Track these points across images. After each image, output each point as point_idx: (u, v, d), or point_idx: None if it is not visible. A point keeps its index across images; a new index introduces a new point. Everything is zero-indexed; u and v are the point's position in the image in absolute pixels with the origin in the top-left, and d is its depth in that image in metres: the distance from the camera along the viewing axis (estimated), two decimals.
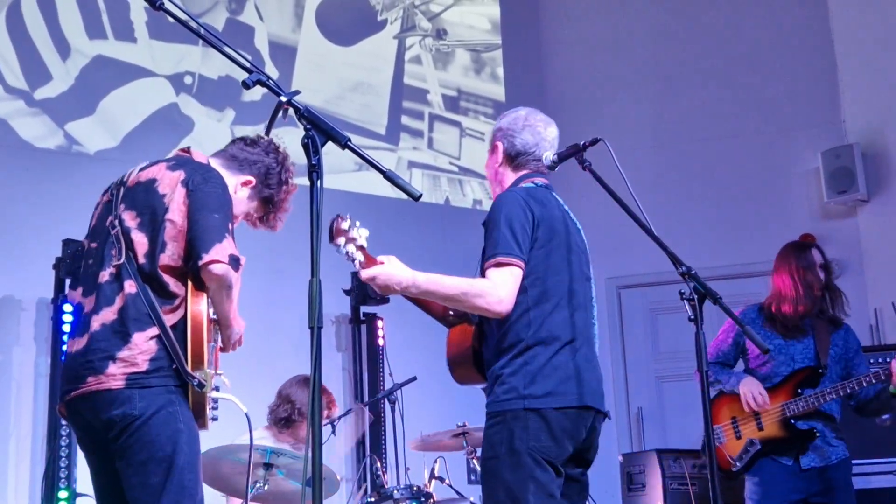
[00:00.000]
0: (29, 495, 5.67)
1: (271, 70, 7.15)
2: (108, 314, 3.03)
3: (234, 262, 3.04)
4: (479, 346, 3.38)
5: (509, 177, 3.51)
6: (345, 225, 3.11)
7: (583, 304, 3.29)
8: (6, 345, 5.88)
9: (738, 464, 4.57)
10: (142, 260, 3.06)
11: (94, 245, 3.21)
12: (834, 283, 4.80)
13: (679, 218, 7.51)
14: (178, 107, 6.81)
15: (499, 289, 3.14)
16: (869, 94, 7.62)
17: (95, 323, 3.04)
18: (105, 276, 3.08)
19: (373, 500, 4.71)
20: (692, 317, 3.20)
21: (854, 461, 5.35)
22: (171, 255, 3.06)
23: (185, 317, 3.07)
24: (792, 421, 4.53)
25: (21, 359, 5.88)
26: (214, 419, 3.20)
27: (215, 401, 3.18)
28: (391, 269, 3.20)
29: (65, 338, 5.52)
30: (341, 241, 3.10)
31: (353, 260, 3.17)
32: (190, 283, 3.08)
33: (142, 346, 2.99)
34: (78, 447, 5.33)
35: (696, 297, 3.19)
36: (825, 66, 7.81)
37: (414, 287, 3.21)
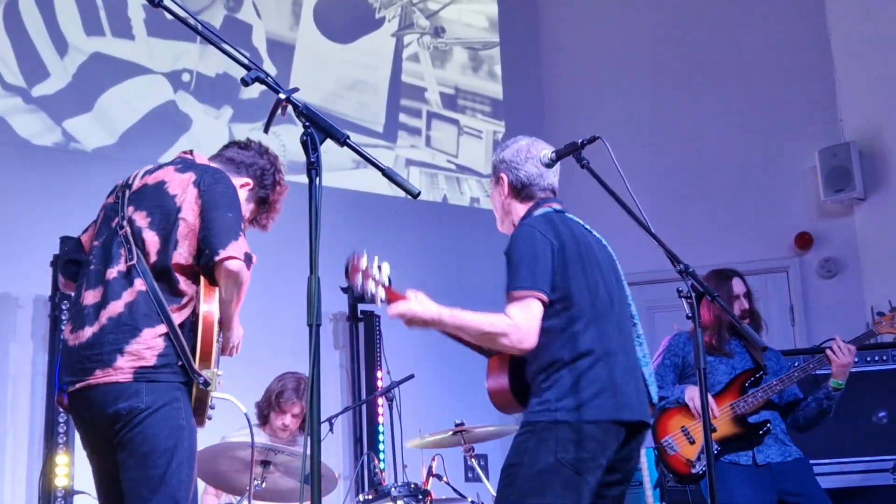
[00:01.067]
0: (26, 493, 5.67)
1: (269, 68, 7.14)
2: (116, 307, 3.06)
3: (248, 259, 3.11)
4: (516, 374, 3.35)
5: (519, 208, 3.49)
6: (362, 264, 3.14)
7: (613, 319, 3.27)
8: (3, 342, 5.87)
9: (696, 464, 4.60)
10: (154, 258, 3.12)
11: (98, 244, 3.25)
12: (756, 311, 4.89)
13: (676, 216, 7.52)
14: (176, 104, 6.81)
15: (519, 326, 3.12)
16: (866, 93, 7.63)
17: (103, 316, 3.07)
18: (113, 273, 3.12)
19: (370, 497, 4.71)
20: (690, 315, 3.22)
21: (851, 459, 5.38)
22: (182, 252, 3.12)
23: (192, 315, 3.11)
24: (743, 415, 4.62)
25: (18, 356, 5.88)
26: (209, 418, 3.23)
27: (213, 400, 3.21)
28: (416, 307, 3.18)
29: (62, 336, 5.53)
30: (358, 279, 3.12)
31: (375, 298, 3.19)
32: (203, 282, 3.13)
33: (150, 342, 3.03)
34: (76, 444, 5.40)
35: (693, 295, 3.21)
36: (822, 65, 7.82)
37: (439, 324, 3.20)
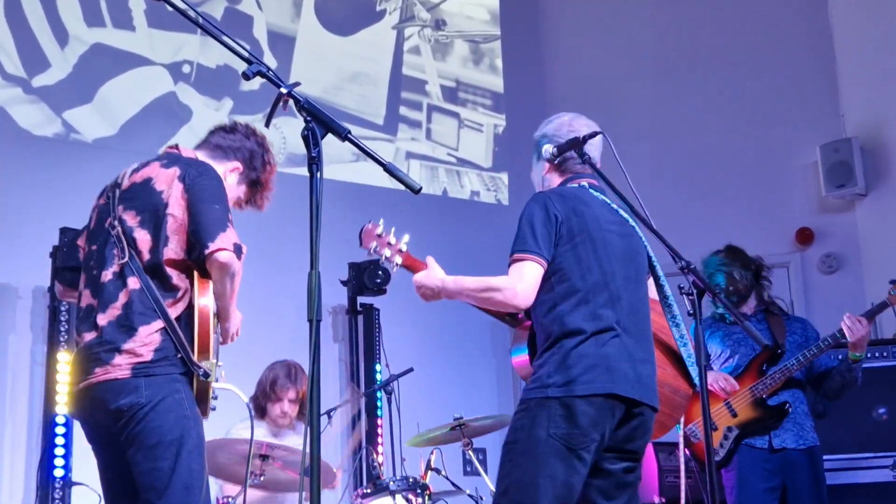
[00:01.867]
0: (24, 484, 5.67)
1: (269, 60, 7.13)
2: (113, 311, 3.10)
3: (238, 250, 3.12)
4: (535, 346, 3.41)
5: (555, 182, 3.53)
6: (378, 230, 3.32)
7: (618, 298, 3.27)
8: (2, 333, 5.87)
9: (720, 452, 4.70)
10: (146, 256, 3.15)
11: (94, 248, 3.28)
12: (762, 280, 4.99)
13: (677, 210, 7.51)
14: (177, 96, 6.80)
15: (514, 283, 3.21)
16: (868, 89, 7.62)
17: (102, 320, 3.11)
18: (108, 275, 3.16)
19: (369, 491, 4.71)
20: (691, 311, 3.22)
21: (851, 456, 5.40)
22: (173, 248, 3.14)
23: (188, 308, 3.14)
24: (763, 398, 4.69)
25: (17, 347, 5.87)
26: (213, 409, 3.25)
27: (215, 391, 3.23)
28: (424, 278, 3.37)
29: (61, 326, 5.54)
30: (373, 244, 3.25)
31: (391, 264, 3.34)
32: (196, 276, 3.15)
33: (146, 339, 3.06)
34: (74, 436, 5.40)
35: (695, 291, 3.21)
36: (824, 60, 7.80)
37: (444, 291, 3.35)
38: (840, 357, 4.78)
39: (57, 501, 5.35)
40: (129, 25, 6.71)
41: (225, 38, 2.59)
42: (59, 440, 5.41)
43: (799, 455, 4.67)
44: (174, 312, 3.11)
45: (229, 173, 3.46)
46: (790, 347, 4.76)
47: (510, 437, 3.21)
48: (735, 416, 4.71)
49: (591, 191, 3.44)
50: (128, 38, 6.69)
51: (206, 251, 3.07)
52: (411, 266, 3.37)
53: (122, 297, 3.10)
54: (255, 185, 3.54)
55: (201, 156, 3.44)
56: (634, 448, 3.29)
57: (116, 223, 3.21)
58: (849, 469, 5.66)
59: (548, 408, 3.13)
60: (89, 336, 3.13)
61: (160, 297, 3.09)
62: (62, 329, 5.55)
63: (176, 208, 3.16)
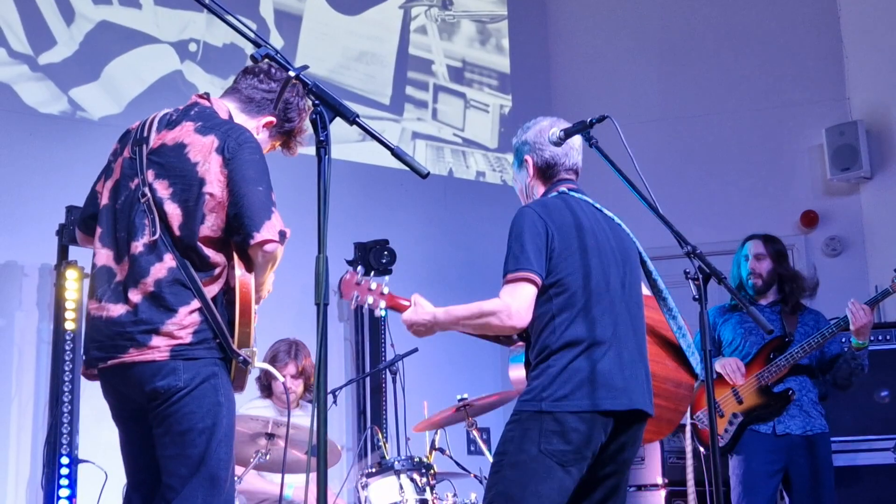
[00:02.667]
0: (30, 461, 5.70)
1: (276, 39, 7.12)
2: (146, 286, 2.96)
3: (283, 237, 3.00)
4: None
5: (539, 190, 3.48)
6: (357, 279, 3.28)
7: (614, 303, 3.24)
8: (8, 311, 5.89)
9: (724, 437, 4.77)
10: (178, 232, 2.98)
11: (118, 205, 3.10)
12: (792, 272, 5.02)
13: (682, 192, 7.51)
14: (183, 74, 6.79)
15: (508, 305, 3.15)
16: (874, 72, 7.60)
17: (134, 295, 2.96)
18: (139, 247, 2.99)
19: (374, 470, 4.73)
20: (696, 296, 3.22)
21: (853, 438, 5.44)
22: (210, 226, 2.99)
23: (225, 287, 3.02)
24: (768, 385, 4.75)
25: (23, 325, 5.89)
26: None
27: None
28: (413, 315, 3.32)
29: (68, 304, 5.54)
30: (353, 294, 3.23)
31: (376, 309, 3.33)
32: (236, 254, 3.02)
33: (185, 320, 2.93)
34: (81, 413, 5.43)
35: (700, 276, 3.21)
36: (831, 43, 7.78)
37: (437, 325, 3.30)
38: (846, 346, 4.81)
39: (63, 478, 5.38)
40: (135, 3, 6.70)
41: (231, 19, 2.57)
42: (66, 418, 5.44)
43: (803, 441, 4.70)
44: (211, 291, 2.99)
45: (262, 128, 3.27)
46: (799, 338, 4.78)
47: (500, 447, 3.18)
48: (741, 402, 4.75)
49: (573, 195, 3.40)
50: (134, 15, 6.67)
51: (252, 241, 2.94)
52: (396, 307, 3.32)
53: (156, 273, 2.95)
54: (289, 134, 3.35)
55: (232, 108, 3.24)
56: (622, 460, 3.28)
57: (147, 190, 3.03)
58: (851, 451, 5.69)
59: (540, 421, 3.10)
60: (117, 309, 2.98)
61: (196, 277, 2.96)
62: (68, 307, 5.56)
63: (215, 186, 2.98)
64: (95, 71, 6.48)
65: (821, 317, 4.98)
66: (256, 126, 3.25)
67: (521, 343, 3.39)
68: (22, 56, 6.26)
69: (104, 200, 3.17)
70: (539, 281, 3.16)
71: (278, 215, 2.99)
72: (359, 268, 3.28)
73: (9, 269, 5.91)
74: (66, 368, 5.48)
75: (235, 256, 3.02)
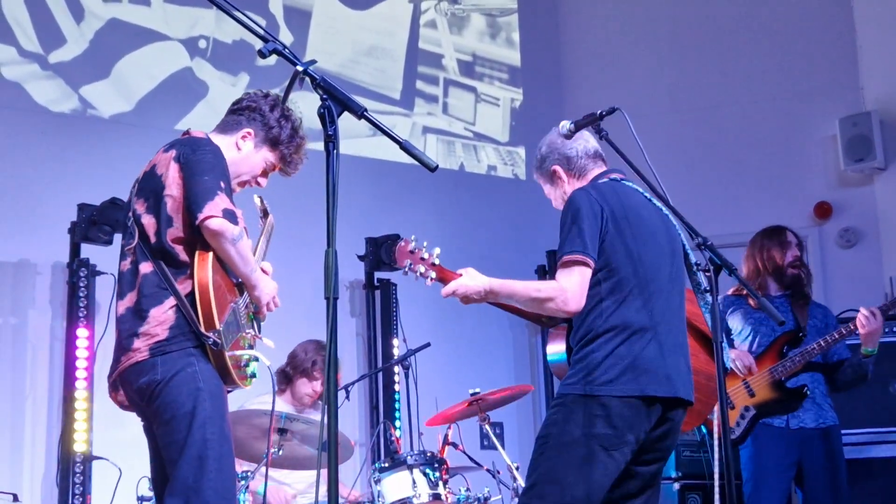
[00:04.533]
0: (45, 458, 5.72)
1: (285, 34, 7.12)
2: (130, 298, 3.23)
3: (230, 215, 3.14)
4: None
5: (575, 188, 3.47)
6: (411, 246, 3.33)
7: (661, 292, 3.26)
8: (22, 308, 5.90)
9: (735, 430, 4.73)
10: (153, 239, 3.23)
11: (123, 241, 3.41)
12: (807, 267, 4.99)
13: (695, 184, 7.49)
14: (193, 71, 6.79)
15: (564, 289, 3.16)
16: (888, 62, 7.56)
17: (121, 308, 3.25)
18: (126, 265, 3.28)
19: (386, 465, 4.73)
20: (707, 287, 3.22)
21: (866, 430, 5.41)
22: (177, 227, 3.21)
23: (193, 284, 3.19)
24: (782, 380, 4.70)
25: (37, 322, 5.90)
26: (253, 376, 3.35)
27: (255, 359, 3.35)
28: (467, 282, 3.30)
29: (80, 302, 5.58)
30: (407, 262, 3.31)
31: (426, 278, 3.34)
32: (197, 251, 3.20)
33: (160, 318, 3.16)
34: (95, 411, 5.45)
35: (711, 268, 3.21)
36: (844, 33, 7.74)
37: (490, 295, 3.30)
38: (857, 342, 4.77)
39: (78, 475, 5.40)
40: (144, 0, 6.70)
41: (239, 15, 2.58)
42: (80, 415, 5.45)
43: (816, 433, 4.68)
44: (186, 288, 3.18)
45: (241, 141, 3.45)
46: (810, 332, 4.75)
47: (543, 430, 3.20)
48: (752, 395, 4.72)
49: (624, 183, 3.42)
50: (143, 13, 6.68)
51: (196, 221, 3.11)
52: (445, 278, 3.35)
53: (137, 283, 3.22)
54: (277, 144, 3.49)
55: (213, 135, 3.46)
56: (663, 448, 3.29)
57: (130, 213, 3.32)
58: (864, 444, 5.67)
59: (585, 405, 3.12)
60: (118, 329, 3.27)
61: (171, 275, 3.19)
62: (81, 305, 5.58)
63: (173, 188, 3.21)
64: (105, 69, 6.48)
65: (828, 311, 4.96)
66: (236, 141, 3.46)
67: (562, 326, 3.39)
68: (32, 55, 6.26)
69: None
70: (593, 264, 3.19)
71: (225, 198, 3.15)
72: (413, 236, 3.31)
73: (22, 267, 5.92)
74: (80, 366, 5.49)
75: (198, 255, 3.20)
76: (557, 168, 3.51)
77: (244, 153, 3.45)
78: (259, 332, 3.48)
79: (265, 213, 3.67)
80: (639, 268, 3.23)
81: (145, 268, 3.22)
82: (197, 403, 3.10)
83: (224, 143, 3.42)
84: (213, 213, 3.10)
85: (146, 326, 3.16)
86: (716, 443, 4.82)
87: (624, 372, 3.12)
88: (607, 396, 3.10)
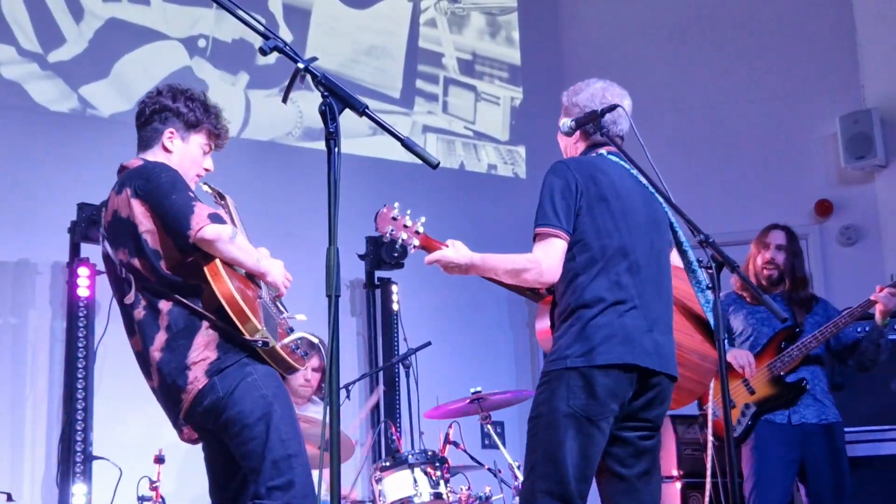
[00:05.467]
0: (45, 458, 5.71)
1: (285, 33, 7.11)
2: (161, 339, 3.22)
3: (216, 218, 3.17)
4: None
5: (580, 148, 3.53)
6: (393, 213, 3.34)
7: (639, 266, 3.28)
8: (22, 308, 5.90)
9: (737, 428, 4.73)
10: (153, 277, 3.23)
11: (116, 296, 3.40)
12: (802, 274, 5.01)
13: (695, 182, 7.48)
14: (192, 70, 6.78)
15: (540, 261, 3.24)
16: (888, 60, 7.55)
17: (156, 353, 3.23)
18: (140, 313, 3.26)
19: (387, 464, 4.72)
20: (710, 285, 3.22)
21: (868, 428, 5.40)
22: (168, 256, 3.23)
23: (217, 299, 3.17)
24: (781, 375, 4.72)
25: (36, 323, 5.90)
26: (304, 354, 3.43)
27: (301, 338, 3.41)
28: (451, 253, 3.36)
29: (80, 301, 5.56)
30: (388, 228, 3.33)
31: (409, 246, 3.38)
32: (205, 268, 3.18)
33: (204, 342, 3.18)
34: (95, 410, 5.44)
35: (713, 265, 3.21)
36: (844, 31, 7.73)
37: (473, 268, 3.35)
38: (866, 329, 4.78)
39: (78, 475, 5.38)
40: (144, 0, 6.70)
41: (240, 13, 2.57)
42: (80, 415, 5.44)
43: (818, 430, 4.68)
44: (210, 306, 3.19)
45: (169, 143, 3.45)
46: (809, 328, 4.76)
47: (533, 411, 3.24)
48: (752, 392, 4.72)
49: (610, 157, 3.43)
50: (143, 12, 6.67)
51: (190, 239, 3.13)
52: (429, 247, 3.38)
53: (162, 322, 3.21)
54: (197, 125, 3.49)
55: (141, 157, 3.46)
56: (651, 417, 3.31)
57: (118, 265, 3.32)
58: (867, 441, 5.66)
59: (566, 379, 3.16)
60: (155, 378, 3.25)
61: (190, 302, 3.20)
62: (81, 304, 5.56)
63: (146, 223, 3.23)
64: (105, 68, 6.48)
65: (830, 305, 4.96)
66: (163, 147, 3.46)
67: (549, 298, 3.41)
68: (31, 54, 6.26)
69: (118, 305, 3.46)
70: (567, 237, 3.24)
71: (202, 205, 3.18)
72: (396, 203, 3.33)
73: (21, 267, 5.91)
74: (80, 366, 5.48)
75: (205, 268, 3.19)
76: (566, 123, 3.51)
77: (178, 152, 3.45)
78: (286, 310, 3.54)
79: (221, 196, 3.63)
80: (614, 242, 3.26)
81: (164, 305, 3.22)
82: (267, 409, 3.15)
83: (158, 155, 3.43)
84: (201, 224, 3.12)
85: (193, 355, 3.17)
86: (709, 441, 4.82)
87: (601, 342, 3.15)
88: (586, 367, 3.14)
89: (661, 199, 3.45)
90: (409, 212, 3.39)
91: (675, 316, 3.40)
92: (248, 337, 3.14)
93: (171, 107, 3.46)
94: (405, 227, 3.37)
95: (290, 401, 3.26)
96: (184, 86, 3.54)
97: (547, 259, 3.22)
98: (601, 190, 3.30)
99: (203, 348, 3.16)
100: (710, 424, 4.76)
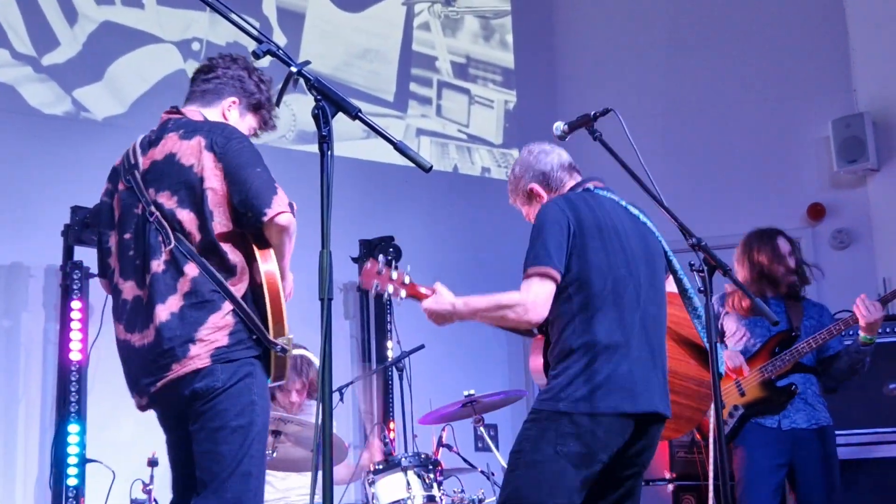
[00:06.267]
0: (38, 461, 5.71)
1: (279, 37, 7.11)
2: (174, 302, 3.01)
3: (292, 208, 3.05)
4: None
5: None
6: (377, 268, 3.28)
7: (634, 303, 3.24)
8: (15, 311, 5.89)
9: (724, 428, 4.69)
10: (197, 236, 3.04)
11: (126, 236, 3.15)
12: (802, 268, 4.97)
13: (688, 185, 7.49)
14: (186, 73, 6.74)
15: (525, 300, 3.16)
16: (880, 63, 7.57)
17: (163, 313, 3.01)
18: (159, 265, 3.04)
19: (381, 467, 4.72)
20: (702, 288, 3.22)
21: (860, 431, 5.40)
22: (220, 221, 3.05)
23: (252, 285, 3.07)
24: (772, 379, 4.70)
25: (30, 325, 5.89)
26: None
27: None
28: (433, 304, 3.31)
29: (74, 304, 5.54)
30: (374, 283, 3.26)
31: (396, 298, 3.32)
32: (255, 248, 3.07)
33: (219, 324, 3.00)
34: (88, 413, 5.43)
35: (705, 268, 3.21)
36: (837, 35, 7.75)
37: (457, 316, 3.30)
38: (849, 342, 4.78)
39: (71, 478, 5.38)
40: (137, 3, 6.70)
41: (233, 17, 2.58)
42: (73, 418, 5.44)
43: (808, 434, 4.68)
44: (238, 291, 3.03)
45: (228, 111, 3.34)
46: (805, 332, 4.75)
47: (517, 446, 3.19)
48: (743, 395, 4.73)
49: (598, 192, 3.42)
50: (137, 15, 6.67)
51: (265, 218, 2.97)
52: (417, 296, 3.33)
53: (182, 286, 3.01)
54: (259, 108, 3.42)
55: (197, 110, 3.32)
56: (641, 462, 3.28)
57: (153, 208, 3.08)
58: (859, 444, 5.67)
59: (557, 422, 3.10)
60: (147, 334, 3.04)
61: (222, 279, 3.01)
62: (74, 307, 5.56)
63: (213, 181, 3.05)
64: (99, 71, 6.48)
65: (825, 310, 4.95)
66: (222, 111, 3.33)
67: (540, 336, 3.39)
68: (25, 57, 6.26)
69: (112, 240, 3.23)
70: (558, 276, 3.17)
71: (282, 190, 3.04)
72: (380, 257, 3.30)
73: (15, 270, 5.91)
74: (73, 369, 5.48)
75: (257, 251, 3.07)
76: (535, 186, 3.51)
77: (233, 122, 3.33)
78: None
79: None
80: (608, 281, 3.21)
81: (192, 269, 3.01)
82: (252, 418, 3.01)
83: (212, 115, 3.31)
84: (283, 209, 2.99)
85: (204, 332, 2.98)
86: (711, 445, 4.82)
87: (596, 389, 3.09)
88: (579, 414, 3.08)
89: (653, 227, 3.43)
90: (393, 263, 3.34)
91: (669, 343, 3.38)
92: (271, 337, 3.02)
93: (244, 79, 3.37)
94: (391, 279, 3.32)
95: (269, 413, 3.12)
96: (254, 63, 3.38)
97: (532, 297, 3.15)
98: (594, 227, 3.25)
99: (215, 330, 2.98)
100: (712, 429, 4.76)
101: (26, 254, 5.92)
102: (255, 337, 3.04)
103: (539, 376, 3.38)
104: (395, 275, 3.33)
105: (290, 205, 3.03)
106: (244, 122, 3.38)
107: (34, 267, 5.95)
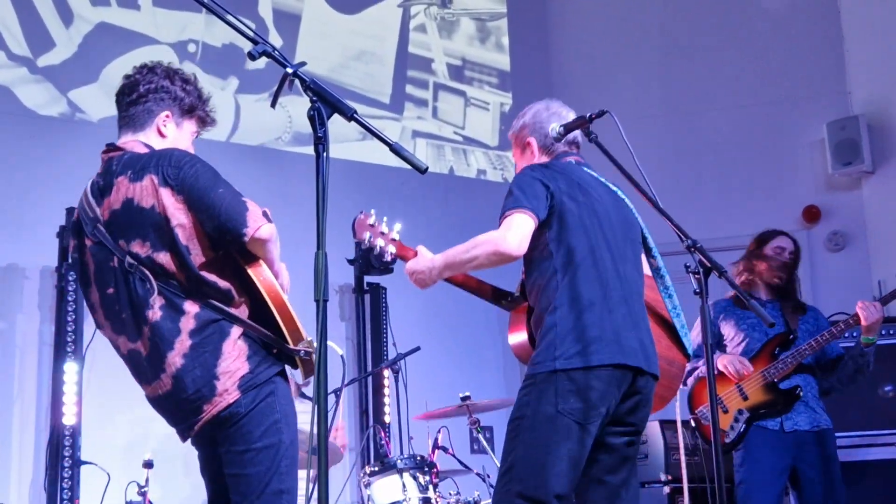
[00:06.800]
0: (33, 463, 5.70)
1: (275, 38, 7.11)
2: (183, 344, 2.94)
3: (267, 216, 2.97)
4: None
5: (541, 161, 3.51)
6: (371, 220, 3.29)
7: (615, 264, 3.26)
8: (10, 313, 5.89)
9: (730, 434, 4.71)
10: (182, 275, 2.96)
11: (110, 291, 3.05)
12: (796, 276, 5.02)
13: (684, 188, 7.50)
14: None
15: (503, 232, 3.16)
16: (875, 66, 7.58)
17: (176, 359, 2.94)
18: (154, 313, 2.96)
19: (376, 469, 4.72)
20: (697, 290, 3.22)
21: (858, 433, 5.41)
22: (197, 254, 2.97)
23: (253, 301, 3.01)
24: (775, 382, 4.70)
25: (25, 327, 5.89)
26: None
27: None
28: (414, 263, 3.33)
29: (69, 307, 5.53)
30: (366, 234, 3.23)
31: (386, 253, 3.33)
32: (243, 263, 3.01)
33: (234, 352, 2.95)
34: (83, 415, 5.42)
35: (701, 270, 3.21)
36: (832, 37, 7.76)
37: (436, 270, 3.30)
38: (848, 344, 4.79)
39: (66, 480, 5.37)
40: (133, 4, 6.69)
41: (229, 18, 2.57)
42: (68, 419, 5.43)
43: (810, 437, 4.68)
44: (242, 314, 2.99)
45: (163, 127, 3.19)
46: (802, 334, 4.76)
47: (516, 413, 3.18)
48: (746, 399, 4.71)
49: (572, 164, 3.44)
50: (132, 17, 6.67)
51: (246, 239, 2.90)
52: (403, 255, 3.36)
53: (186, 325, 2.94)
54: (193, 110, 3.28)
55: (136, 138, 3.19)
56: (636, 420, 3.29)
57: (129, 259, 2.99)
58: (856, 446, 5.68)
59: (555, 381, 3.10)
60: (167, 381, 2.97)
61: (222, 307, 2.96)
62: (69, 309, 5.55)
63: (179, 216, 2.96)
64: (94, 72, 6.47)
65: (819, 314, 4.96)
66: (157, 129, 3.21)
67: (520, 309, 3.39)
68: (21, 58, 6.25)
69: (94, 296, 3.13)
70: (535, 216, 3.17)
71: (251, 201, 2.96)
72: (372, 210, 3.30)
73: (10, 271, 5.90)
74: (68, 370, 5.47)
75: (246, 267, 3.01)
76: (532, 141, 3.55)
77: (172, 137, 3.20)
78: None
79: None
80: (591, 240, 3.23)
81: (191, 307, 2.94)
82: (279, 437, 2.96)
83: (151, 139, 3.18)
84: (259, 223, 2.91)
85: (223, 365, 2.93)
86: (681, 444, 4.84)
87: (588, 344, 3.11)
88: (575, 370, 3.09)
89: (631, 205, 3.45)
90: (385, 218, 3.36)
91: None
92: (291, 345, 2.97)
93: (169, 88, 3.23)
94: (382, 234, 3.34)
95: (296, 424, 3.05)
96: (174, 65, 3.32)
97: (511, 229, 3.13)
98: (573, 190, 3.29)
99: (234, 358, 2.93)
100: (680, 428, 4.77)
101: (21, 255, 5.92)
102: (274, 351, 3.00)
103: (524, 351, 3.37)
104: (386, 229, 3.35)
105: (265, 213, 2.96)
106: (183, 132, 3.26)
107: (29, 268, 5.94)
